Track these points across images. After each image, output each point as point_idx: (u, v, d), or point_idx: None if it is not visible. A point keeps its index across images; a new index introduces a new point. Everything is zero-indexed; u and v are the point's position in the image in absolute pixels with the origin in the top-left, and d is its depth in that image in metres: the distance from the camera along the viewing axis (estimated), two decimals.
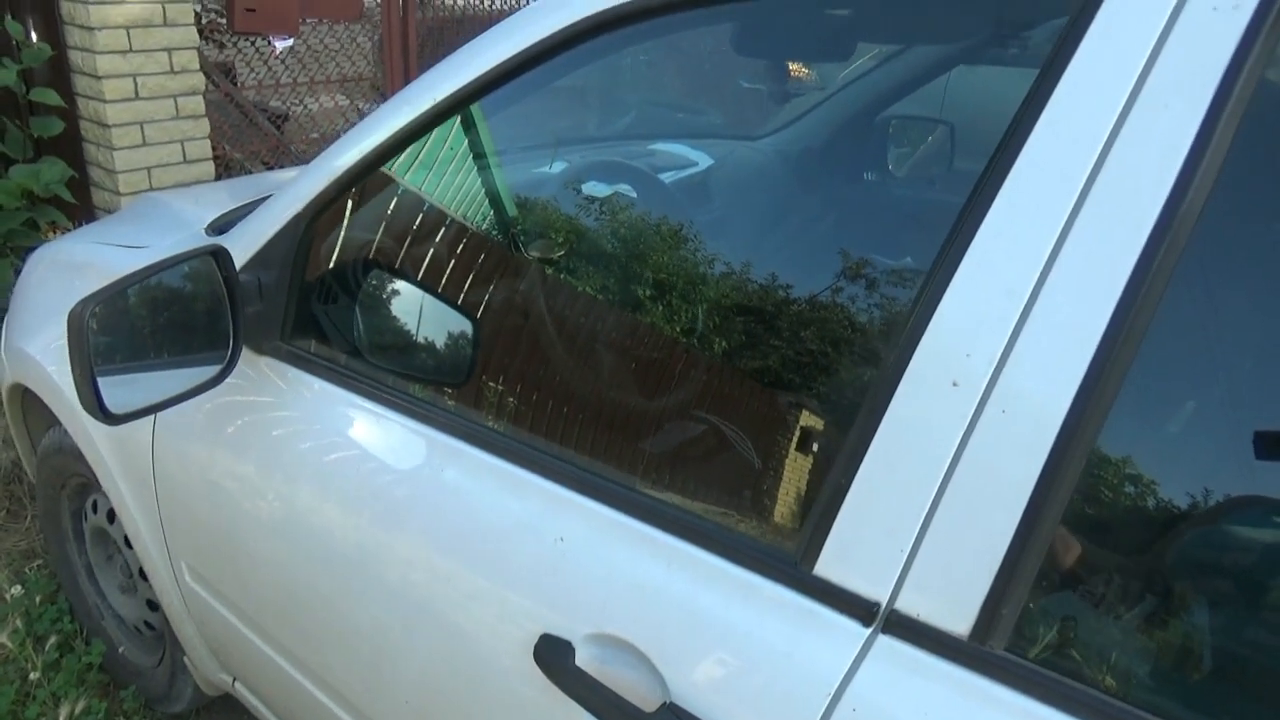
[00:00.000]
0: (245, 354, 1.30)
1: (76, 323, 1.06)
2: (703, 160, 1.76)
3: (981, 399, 0.69)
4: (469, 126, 1.29)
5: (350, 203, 1.30)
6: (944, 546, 0.70)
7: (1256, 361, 0.74)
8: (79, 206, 3.46)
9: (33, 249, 2.10)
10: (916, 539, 0.71)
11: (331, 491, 1.20)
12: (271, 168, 4.13)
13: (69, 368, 1.09)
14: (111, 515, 1.91)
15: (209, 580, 1.50)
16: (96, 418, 1.11)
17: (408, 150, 1.22)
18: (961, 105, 1.50)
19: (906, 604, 0.71)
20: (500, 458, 1.04)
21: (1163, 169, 0.65)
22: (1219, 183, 0.65)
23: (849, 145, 1.76)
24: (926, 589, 0.71)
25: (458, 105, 1.13)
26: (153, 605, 1.92)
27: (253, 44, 4.23)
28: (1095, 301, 0.66)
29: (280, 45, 4.17)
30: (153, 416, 1.43)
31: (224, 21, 4.06)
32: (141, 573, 1.85)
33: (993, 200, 0.72)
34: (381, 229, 1.35)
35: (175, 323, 1.25)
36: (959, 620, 0.69)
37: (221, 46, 4.32)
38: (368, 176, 1.25)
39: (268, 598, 1.35)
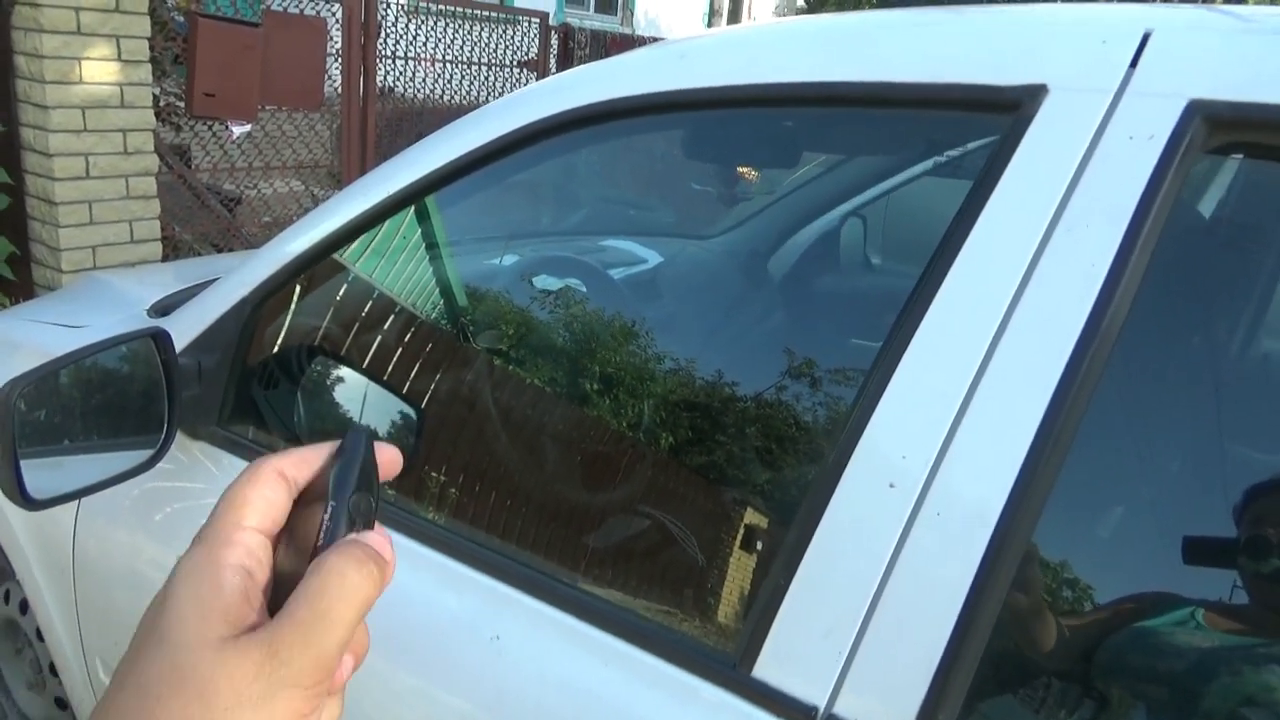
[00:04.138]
0: (180, 439, 1.26)
1: (3, 403, 1.03)
2: (652, 258, 1.80)
3: (918, 501, 0.70)
4: (422, 218, 1.31)
5: (299, 289, 1.30)
6: (882, 649, 0.70)
7: (1181, 465, 0.76)
8: (19, 283, 3.40)
9: None
10: (855, 641, 0.71)
11: None
12: (222, 250, 4.11)
13: None
14: (24, 606, 1.82)
15: None
16: (16, 502, 1.06)
17: (360, 239, 1.22)
18: (903, 214, 1.56)
19: (845, 708, 0.71)
20: (438, 551, 1.02)
21: (1087, 281, 0.68)
22: (1140, 295, 0.69)
23: (795, 248, 1.81)
24: (864, 692, 0.70)
25: (413, 197, 1.15)
26: (62, 704, 1.81)
27: (209, 128, 4.25)
28: (1026, 407, 0.68)
29: (238, 131, 4.20)
30: (76, 502, 1.38)
31: (182, 105, 4.09)
32: (52, 668, 1.75)
33: (927, 308, 0.74)
34: (329, 316, 1.35)
35: (109, 406, 1.22)
36: None
37: (178, 129, 4.34)
38: (318, 263, 1.25)
39: None
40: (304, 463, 0.41)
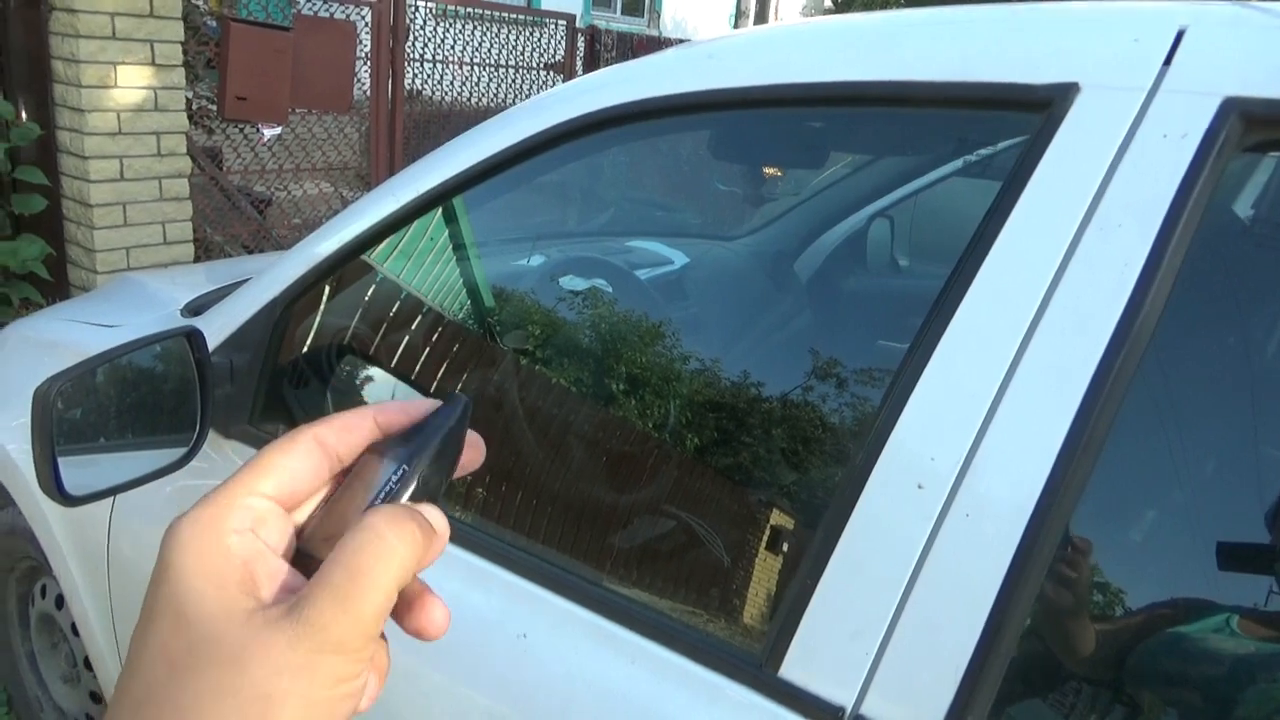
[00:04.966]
0: (212, 438, 1.28)
1: (42, 401, 1.05)
2: (678, 259, 1.80)
3: (946, 502, 0.70)
4: (451, 219, 1.32)
5: (328, 289, 1.31)
6: (909, 651, 0.69)
7: (1216, 469, 0.75)
8: (55, 284, 3.46)
9: (2, 325, 2.09)
10: (882, 642, 0.70)
11: None
12: (253, 252, 4.16)
13: (28, 446, 1.07)
14: (60, 601, 1.85)
15: None
16: (54, 499, 1.08)
17: (388, 240, 1.23)
18: (933, 214, 1.55)
19: (872, 709, 0.70)
20: (464, 549, 1.02)
21: (1119, 283, 0.68)
22: (1173, 296, 0.68)
23: (822, 249, 1.81)
24: (892, 694, 0.70)
25: (441, 198, 1.16)
26: (96, 698, 1.84)
27: (241, 130, 4.31)
28: (1057, 408, 0.68)
29: (269, 133, 4.25)
30: (111, 499, 1.40)
31: (214, 108, 4.14)
32: (87, 662, 1.78)
33: (957, 307, 0.74)
34: (358, 316, 1.36)
35: (144, 404, 1.23)
36: None
37: (210, 132, 4.40)
38: (347, 264, 1.26)
39: None
40: (347, 430, 0.39)
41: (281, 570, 0.36)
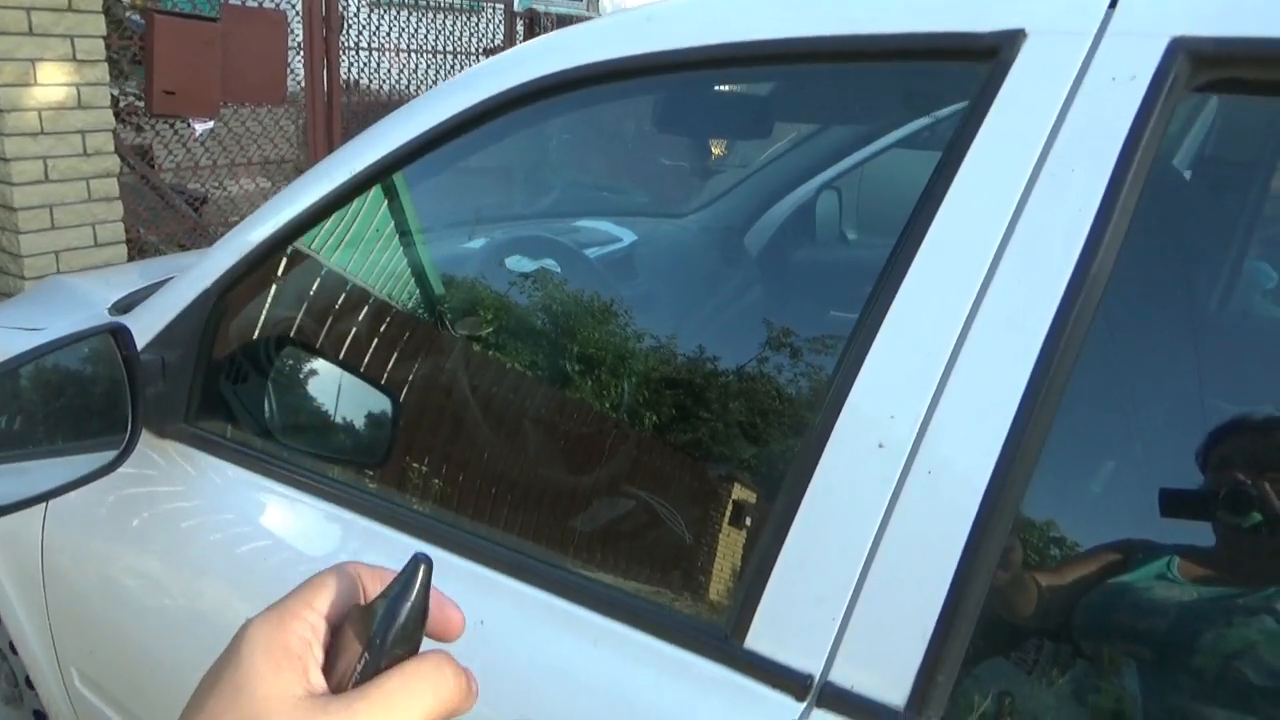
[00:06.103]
0: (147, 438, 1.23)
1: None
2: (626, 237, 1.77)
3: (908, 460, 0.68)
4: (389, 201, 1.27)
5: (264, 278, 1.26)
6: (875, 614, 0.68)
7: (1168, 417, 0.75)
8: None
9: None
10: (848, 607, 0.69)
11: (242, 586, 1.13)
12: (188, 250, 4.04)
13: None
14: None
15: (103, 687, 1.39)
16: None
17: (324, 225, 1.19)
18: (884, 169, 1.54)
19: (840, 676, 0.69)
20: (419, 539, 0.99)
21: (1072, 229, 0.66)
22: (1126, 241, 0.67)
23: (770, 221, 1.79)
24: (859, 659, 0.68)
25: (377, 176, 1.12)
26: (40, 716, 1.77)
27: (171, 126, 4.18)
28: (1013, 361, 0.66)
29: (200, 128, 4.13)
30: (44, 509, 1.34)
31: (142, 104, 4.01)
32: (28, 681, 1.71)
33: (909, 265, 0.72)
34: (296, 305, 1.31)
35: (72, 407, 1.18)
36: (894, 691, 0.66)
37: (139, 129, 4.25)
38: (282, 251, 1.21)
39: (169, 705, 1.25)
40: (376, 577, 0.45)
41: (319, 675, 0.41)
